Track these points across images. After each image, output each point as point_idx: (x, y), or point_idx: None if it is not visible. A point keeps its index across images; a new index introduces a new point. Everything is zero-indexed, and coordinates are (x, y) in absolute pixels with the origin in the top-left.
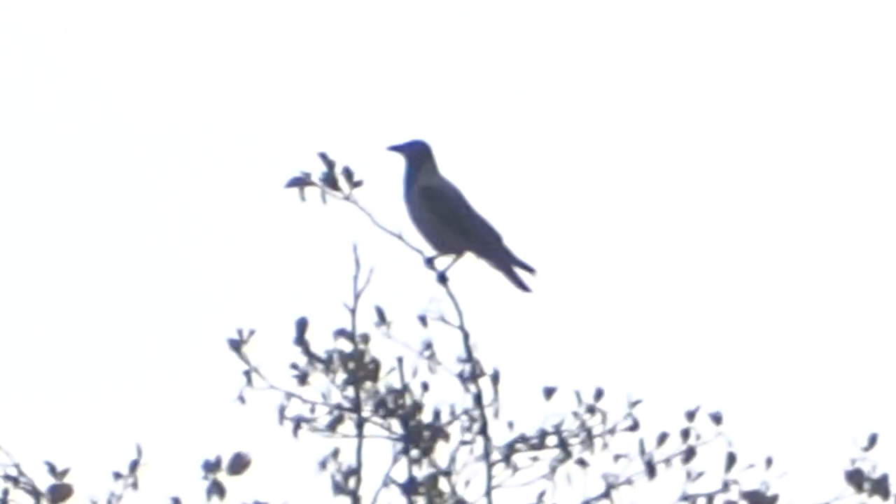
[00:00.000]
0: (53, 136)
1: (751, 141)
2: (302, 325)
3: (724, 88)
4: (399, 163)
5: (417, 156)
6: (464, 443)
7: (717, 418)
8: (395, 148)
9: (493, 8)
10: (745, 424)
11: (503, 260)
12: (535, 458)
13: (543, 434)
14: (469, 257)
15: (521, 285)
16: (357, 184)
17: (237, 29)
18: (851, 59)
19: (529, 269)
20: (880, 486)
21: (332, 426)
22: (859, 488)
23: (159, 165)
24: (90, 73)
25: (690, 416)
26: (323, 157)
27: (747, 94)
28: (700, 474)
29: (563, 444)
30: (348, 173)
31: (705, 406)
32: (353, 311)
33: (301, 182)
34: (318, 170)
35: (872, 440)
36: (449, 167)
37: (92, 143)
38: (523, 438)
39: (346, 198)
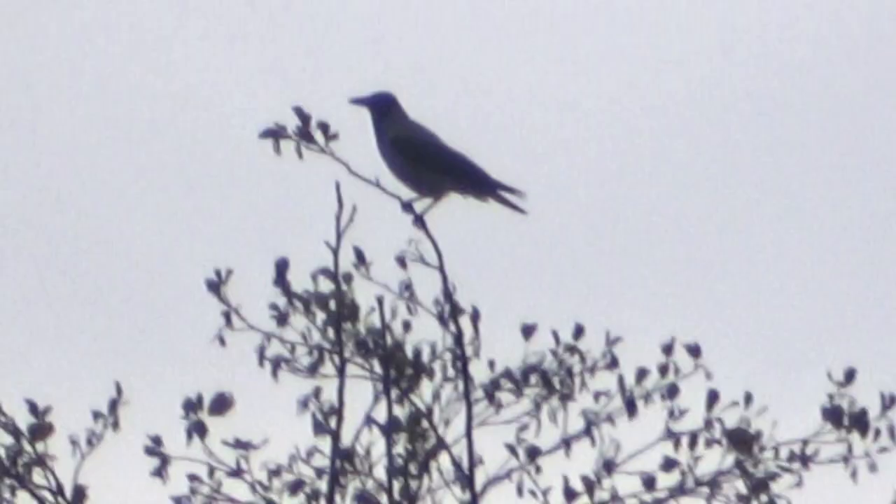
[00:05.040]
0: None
1: (732, 75)
2: (282, 266)
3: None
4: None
5: (382, 107)
6: (447, 380)
7: (694, 351)
8: (359, 101)
9: None
10: (724, 358)
11: (489, 190)
12: (518, 395)
13: (527, 371)
14: (452, 197)
15: (515, 208)
16: (333, 136)
17: None
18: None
19: (517, 193)
20: (859, 422)
21: (313, 367)
22: (838, 424)
23: (140, 108)
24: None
25: (667, 349)
26: (298, 111)
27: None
28: (683, 412)
29: (546, 381)
30: (324, 126)
31: (683, 339)
32: (335, 251)
33: (275, 134)
34: (293, 123)
35: (850, 376)
36: (420, 110)
37: (69, 87)
38: (507, 375)
39: (322, 150)
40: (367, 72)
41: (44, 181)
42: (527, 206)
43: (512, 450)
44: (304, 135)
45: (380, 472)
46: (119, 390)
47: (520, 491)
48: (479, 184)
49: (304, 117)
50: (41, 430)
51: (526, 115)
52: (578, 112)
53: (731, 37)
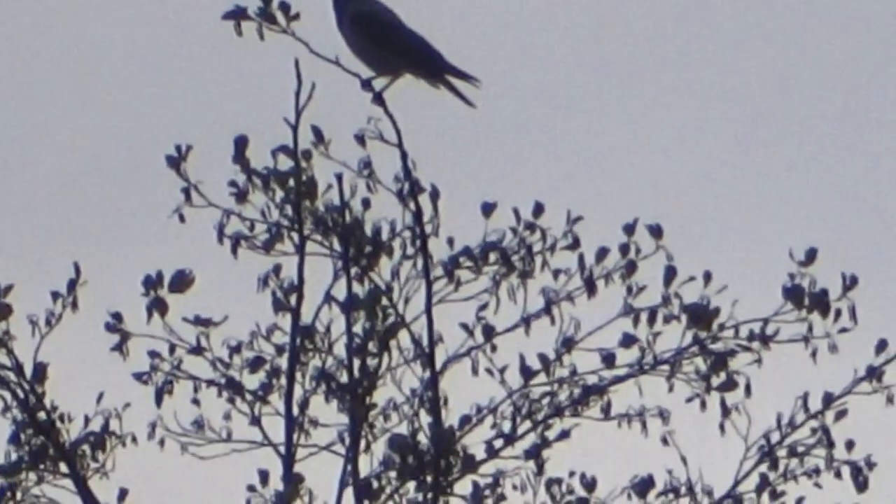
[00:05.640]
0: None
1: None
2: (241, 143)
3: None
4: None
5: None
6: (406, 258)
7: (656, 231)
8: None
9: None
10: (685, 239)
11: (442, 75)
12: (477, 273)
13: (486, 248)
14: (408, 78)
15: (465, 100)
16: (294, 17)
17: None
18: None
19: (473, 80)
20: (819, 302)
21: (271, 244)
22: (798, 304)
23: None
24: None
25: (629, 229)
26: None
27: None
28: (641, 289)
29: (505, 259)
30: (285, 6)
31: (644, 219)
32: (294, 128)
33: (237, 15)
34: (253, 4)
35: (811, 255)
36: None
37: None
38: (467, 252)
39: (284, 30)
40: None
41: (11, 45)
42: (479, 96)
43: (467, 328)
44: (266, 16)
45: (340, 350)
46: (77, 270)
47: (475, 369)
48: (432, 68)
49: None
50: (0, 310)
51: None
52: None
53: None
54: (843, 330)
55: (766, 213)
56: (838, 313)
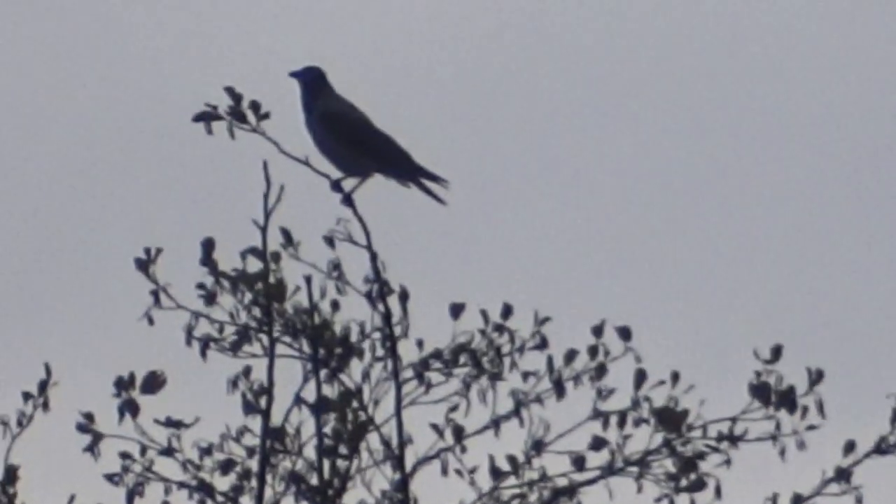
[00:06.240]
0: None
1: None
2: (208, 245)
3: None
4: (296, 90)
5: (313, 82)
6: (377, 359)
7: (625, 333)
8: (293, 74)
9: None
10: (653, 339)
11: (411, 175)
12: (447, 375)
13: (457, 350)
14: (378, 178)
15: (436, 198)
16: (264, 116)
17: None
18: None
19: (441, 182)
20: (786, 399)
21: (240, 345)
22: (766, 401)
23: (71, 83)
24: None
25: (597, 331)
26: (229, 91)
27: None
28: (611, 392)
29: (475, 361)
30: (255, 106)
31: (613, 321)
32: (263, 229)
33: (208, 116)
34: (223, 103)
35: (776, 352)
36: (348, 90)
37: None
38: (437, 355)
39: (254, 129)
40: (292, 49)
41: None
42: (448, 197)
43: (437, 429)
44: (237, 115)
45: (310, 452)
46: (48, 371)
47: (444, 470)
48: (402, 168)
49: (235, 97)
50: None
51: (451, 98)
52: (503, 97)
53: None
54: (811, 427)
55: (731, 309)
56: (805, 410)
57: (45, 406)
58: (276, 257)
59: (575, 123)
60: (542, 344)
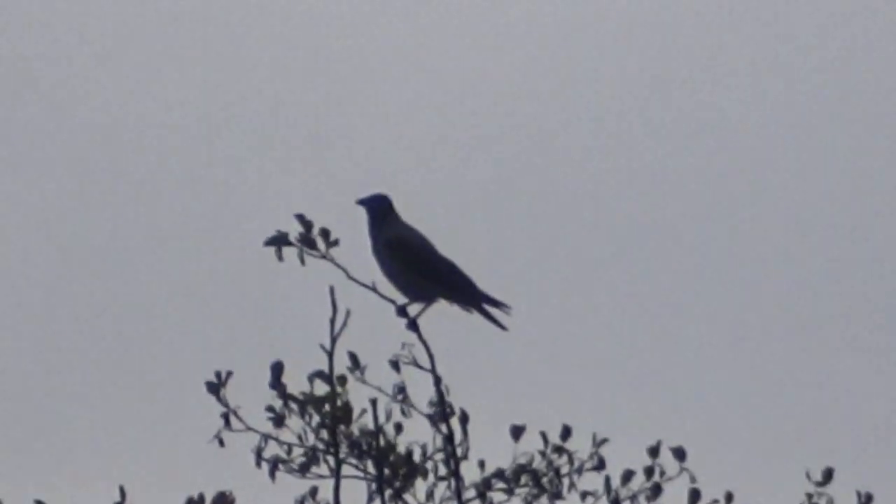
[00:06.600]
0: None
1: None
2: (277, 369)
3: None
4: (363, 216)
5: (380, 209)
6: (440, 479)
7: (679, 454)
8: (360, 202)
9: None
10: (708, 459)
11: (475, 301)
12: (509, 494)
13: (518, 471)
14: (441, 303)
15: (498, 324)
16: (333, 243)
17: (216, 97)
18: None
19: (503, 307)
20: None
21: (307, 467)
22: None
23: (145, 207)
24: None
25: (653, 451)
26: (300, 218)
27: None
28: None
29: (536, 481)
30: (325, 233)
31: (668, 442)
32: (329, 354)
33: (279, 241)
34: (294, 230)
35: (828, 475)
36: (414, 216)
37: (72, 175)
38: (499, 475)
39: (323, 256)
40: (362, 175)
41: (44, 277)
42: (509, 321)
43: None
44: (307, 241)
45: None
46: (123, 493)
47: None
48: (466, 295)
49: (306, 224)
50: None
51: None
52: (563, 224)
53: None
54: None
55: (784, 431)
56: None
57: None
58: (343, 380)
59: (628, 252)
60: (600, 465)
